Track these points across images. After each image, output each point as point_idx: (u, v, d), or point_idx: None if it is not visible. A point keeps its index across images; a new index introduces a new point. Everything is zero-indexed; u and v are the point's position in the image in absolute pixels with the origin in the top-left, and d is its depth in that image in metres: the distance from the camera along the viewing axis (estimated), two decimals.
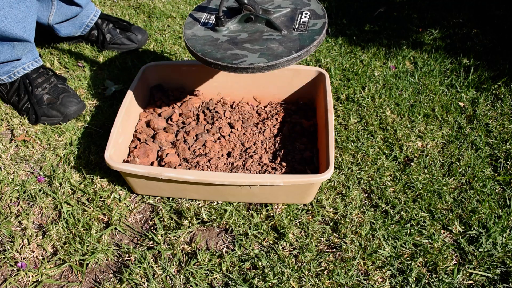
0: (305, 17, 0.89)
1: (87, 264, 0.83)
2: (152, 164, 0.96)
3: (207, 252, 0.85)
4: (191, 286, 0.80)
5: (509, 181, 0.99)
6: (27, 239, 0.87)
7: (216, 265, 0.83)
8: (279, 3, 0.94)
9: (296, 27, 0.87)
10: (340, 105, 1.20)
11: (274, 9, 0.91)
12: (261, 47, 0.83)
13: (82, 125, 1.12)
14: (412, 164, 1.02)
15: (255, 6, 0.89)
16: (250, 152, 1.00)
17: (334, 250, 0.86)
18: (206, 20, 0.93)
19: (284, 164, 0.96)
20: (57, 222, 0.90)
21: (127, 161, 0.96)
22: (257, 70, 0.81)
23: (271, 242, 0.87)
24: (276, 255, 0.84)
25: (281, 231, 0.88)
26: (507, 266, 0.83)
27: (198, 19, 0.94)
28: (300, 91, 1.13)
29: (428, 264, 0.83)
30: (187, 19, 0.95)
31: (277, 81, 1.12)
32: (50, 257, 0.85)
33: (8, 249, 0.85)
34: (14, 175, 0.99)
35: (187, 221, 0.90)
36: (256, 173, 0.94)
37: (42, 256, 0.85)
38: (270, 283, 0.79)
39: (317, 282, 0.79)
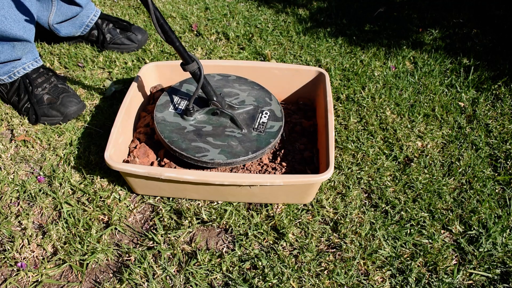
0: (265, 117, 0.97)
1: (87, 264, 0.83)
2: (152, 164, 0.96)
3: (207, 252, 0.85)
4: (191, 286, 0.80)
5: (509, 181, 0.99)
6: (27, 239, 0.87)
7: (216, 265, 0.83)
8: (244, 98, 1.01)
9: (256, 126, 0.94)
10: (340, 105, 1.20)
11: (238, 105, 0.98)
12: (223, 143, 0.90)
13: (82, 125, 1.12)
14: (412, 164, 1.02)
15: (222, 102, 0.95)
16: None
17: (334, 250, 0.86)
18: (177, 105, 0.99)
19: (284, 164, 0.96)
20: (57, 222, 0.90)
21: (127, 161, 0.96)
22: (216, 165, 0.88)
23: (271, 242, 0.87)
24: (276, 255, 0.84)
25: (281, 231, 0.88)
26: (507, 266, 0.83)
27: (169, 102, 0.99)
28: (300, 91, 1.13)
29: (428, 264, 0.83)
30: (160, 99, 1.00)
31: (277, 81, 1.12)
32: (50, 257, 0.85)
33: (8, 249, 0.85)
34: (14, 175, 0.99)
35: (187, 221, 0.90)
36: (256, 173, 0.94)
37: (42, 256, 0.85)
38: (270, 283, 0.79)
39: (317, 282, 0.80)
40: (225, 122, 0.95)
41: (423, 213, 0.92)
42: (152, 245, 0.87)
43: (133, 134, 1.03)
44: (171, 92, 1.02)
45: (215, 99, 0.93)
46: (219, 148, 0.89)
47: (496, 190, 0.97)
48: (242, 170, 0.95)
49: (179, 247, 0.86)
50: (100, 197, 0.95)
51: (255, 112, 0.97)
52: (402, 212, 0.92)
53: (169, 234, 0.87)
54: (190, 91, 1.02)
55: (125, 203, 0.94)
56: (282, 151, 0.99)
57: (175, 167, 0.95)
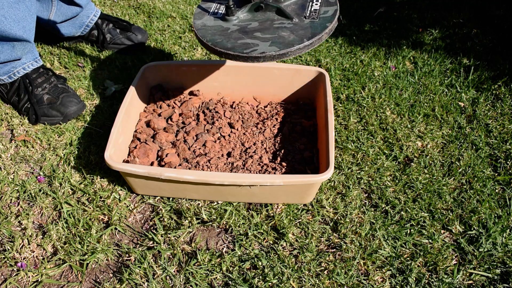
0: (316, 4, 0.88)
1: (87, 264, 0.83)
2: (152, 164, 0.96)
3: (207, 252, 0.85)
4: (191, 286, 0.80)
5: (509, 181, 0.99)
6: (27, 239, 0.87)
7: (216, 265, 0.83)
8: None
9: (307, 14, 0.86)
10: (340, 105, 1.20)
11: None
12: (272, 36, 0.82)
13: (82, 125, 1.12)
14: (412, 164, 1.02)
15: None
16: (250, 152, 1.00)
17: (334, 250, 0.86)
18: (216, 10, 0.92)
19: (284, 164, 0.96)
20: (57, 222, 0.90)
21: (127, 161, 0.96)
22: (268, 59, 0.80)
23: (271, 242, 0.87)
24: (276, 255, 0.84)
25: (281, 231, 0.88)
26: (507, 266, 0.83)
27: (207, 10, 0.93)
28: (300, 91, 1.13)
29: (428, 264, 0.83)
30: (196, 9, 0.94)
31: (277, 81, 1.12)
32: (50, 257, 0.85)
33: (8, 249, 0.85)
34: (14, 175, 0.99)
35: (187, 221, 0.90)
36: (256, 173, 0.94)
37: (42, 256, 0.85)
38: (270, 283, 0.79)
39: (317, 282, 0.79)
40: (272, 16, 0.87)
41: (423, 213, 0.92)
42: (152, 245, 0.87)
43: (133, 134, 1.03)
44: (207, 0, 0.95)
45: None
46: (270, 41, 0.81)
47: (496, 190, 0.97)
48: (242, 170, 0.95)
49: (179, 247, 0.86)
50: (100, 197, 0.95)
51: (305, 1, 0.89)
52: (402, 212, 0.92)
53: (169, 234, 0.87)
54: None
55: (125, 203, 0.94)
56: (282, 151, 0.99)
57: (175, 167, 0.95)
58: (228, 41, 0.83)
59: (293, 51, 0.80)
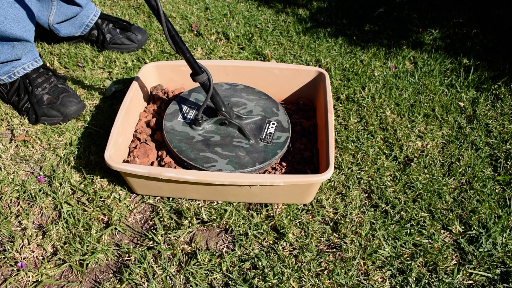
0: (272, 127, 0.98)
1: (87, 264, 0.83)
2: (152, 164, 0.96)
3: (207, 252, 0.85)
4: (191, 286, 0.80)
5: (509, 181, 0.99)
6: (27, 239, 0.87)
7: (216, 265, 0.83)
8: (251, 108, 1.02)
9: (263, 137, 0.95)
10: (340, 105, 1.20)
11: (246, 115, 0.99)
12: (230, 154, 0.91)
13: (82, 125, 1.12)
14: (412, 164, 1.02)
15: (230, 112, 0.96)
16: None
17: (334, 250, 0.86)
18: (186, 114, 1.00)
19: (284, 164, 0.96)
20: (57, 222, 0.90)
21: (127, 161, 0.96)
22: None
23: (271, 242, 0.87)
24: (276, 255, 0.84)
25: (281, 231, 0.88)
26: (507, 266, 0.83)
27: (178, 111, 1.01)
28: (300, 91, 1.13)
29: (428, 264, 0.83)
30: (169, 108, 1.01)
31: (277, 81, 1.12)
32: (50, 257, 0.85)
33: (8, 249, 0.85)
34: (14, 175, 0.99)
35: (187, 221, 0.90)
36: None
37: (42, 256, 0.85)
38: (270, 283, 0.79)
39: (317, 282, 0.79)
40: (233, 132, 0.96)
41: (423, 213, 0.92)
42: (152, 245, 0.87)
43: (133, 134, 1.03)
44: (179, 101, 1.03)
45: (223, 109, 0.94)
46: (227, 159, 0.90)
47: (496, 190, 0.97)
48: None
49: (179, 247, 0.86)
50: (100, 197, 0.95)
51: (263, 122, 0.99)
52: (402, 212, 0.92)
53: (169, 234, 0.87)
54: (198, 100, 1.04)
55: (125, 203, 0.94)
56: None
57: (175, 167, 0.95)
58: (191, 152, 0.91)
59: (245, 172, 0.89)
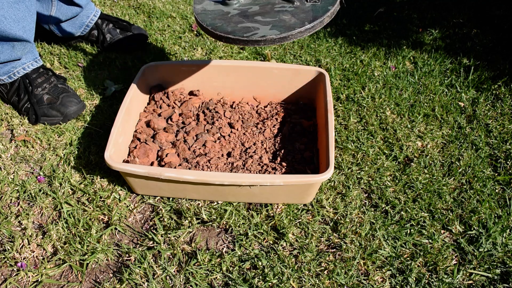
0: None
1: (87, 264, 0.83)
2: (152, 164, 0.96)
3: (207, 252, 0.85)
4: (191, 286, 0.80)
5: (509, 181, 0.99)
6: (27, 239, 0.87)
7: (216, 265, 0.83)
8: None
9: None
10: (340, 105, 1.20)
11: None
12: (273, 19, 0.81)
13: (82, 125, 1.12)
14: (412, 164, 1.02)
15: None
16: (250, 152, 1.00)
17: (334, 250, 0.86)
18: None
19: (284, 164, 0.96)
20: (57, 222, 0.90)
21: (127, 161, 0.96)
22: (269, 43, 0.78)
23: (271, 242, 0.87)
24: (276, 255, 0.84)
25: (281, 231, 0.88)
26: (507, 266, 0.83)
27: None
28: (300, 91, 1.13)
29: (428, 264, 0.83)
30: None
31: (277, 81, 1.12)
32: (50, 257, 0.85)
33: (8, 249, 0.85)
34: (14, 175, 0.99)
35: (187, 221, 0.90)
36: (256, 173, 0.94)
37: (42, 256, 0.85)
38: (270, 283, 0.79)
39: (317, 282, 0.79)
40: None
41: (423, 213, 0.92)
42: (152, 245, 0.87)
43: (133, 134, 1.03)
44: None
45: None
46: (270, 25, 0.80)
47: (496, 190, 0.97)
48: (242, 170, 0.95)
49: (179, 247, 0.86)
50: (100, 197, 0.95)
51: None
52: (402, 212, 0.92)
53: (169, 234, 0.87)
54: None
55: (125, 203, 0.94)
56: (282, 151, 0.99)
57: (175, 167, 0.95)
58: (228, 25, 0.81)
59: (294, 35, 0.78)
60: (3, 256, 0.84)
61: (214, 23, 0.83)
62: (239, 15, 0.84)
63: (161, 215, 0.91)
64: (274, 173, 0.94)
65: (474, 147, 1.08)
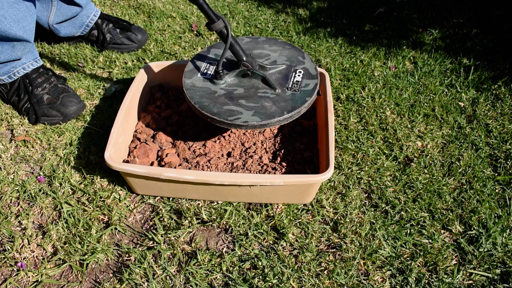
0: (298, 75, 0.93)
1: (87, 264, 0.83)
2: (152, 164, 0.96)
3: (207, 252, 0.85)
4: (191, 286, 0.80)
5: (509, 181, 0.99)
6: (27, 239, 0.87)
7: (216, 265, 0.83)
8: (275, 58, 0.97)
9: (290, 86, 0.90)
10: (340, 105, 1.20)
11: (270, 65, 0.94)
12: (256, 105, 0.87)
13: (82, 125, 1.12)
14: (412, 164, 1.02)
15: (252, 62, 0.91)
16: (250, 152, 1.00)
17: (334, 250, 0.86)
18: (205, 70, 0.96)
19: (284, 164, 0.96)
20: (57, 222, 0.90)
21: (127, 161, 0.96)
22: (250, 128, 0.85)
23: (271, 242, 0.87)
24: (276, 255, 0.84)
25: (281, 231, 0.88)
26: (507, 266, 0.83)
27: (197, 68, 0.96)
28: None
29: (428, 264, 0.83)
30: (188, 66, 0.97)
31: None
32: (50, 257, 0.85)
33: (8, 249, 0.85)
34: (14, 175, 0.99)
35: (187, 221, 0.90)
36: (256, 173, 0.94)
37: (42, 256, 0.85)
38: (270, 283, 0.79)
39: (317, 282, 0.79)
40: (257, 83, 0.91)
41: (423, 213, 0.92)
42: (152, 245, 0.87)
43: (133, 134, 1.03)
44: (198, 58, 0.98)
45: (245, 59, 0.89)
46: (253, 110, 0.85)
47: (496, 190, 0.97)
48: (242, 170, 0.95)
49: (179, 247, 0.86)
50: (100, 197, 0.95)
51: (288, 71, 0.93)
52: (402, 212, 0.92)
53: (169, 234, 0.87)
54: (218, 55, 0.98)
55: (125, 203, 0.94)
56: (282, 151, 0.99)
57: (175, 167, 0.95)
58: (214, 106, 0.87)
59: (274, 122, 0.85)
60: (3, 256, 0.84)
61: (201, 101, 0.88)
62: (225, 96, 0.89)
63: (161, 215, 0.91)
64: (274, 173, 0.94)
65: (474, 147, 1.08)
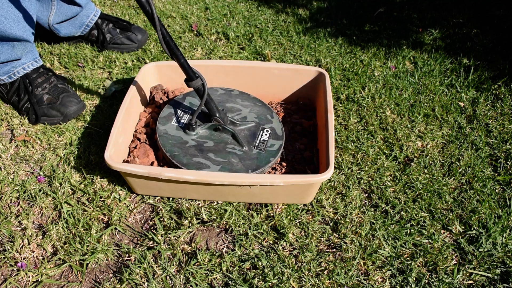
0: (266, 135, 0.97)
1: (87, 264, 0.83)
2: (152, 164, 0.96)
3: (207, 252, 0.85)
4: (191, 286, 0.80)
5: (509, 181, 0.99)
6: (27, 239, 0.87)
7: (216, 265, 0.83)
8: (246, 114, 1.02)
9: (256, 144, 0.95)
10: (340, 105, 1.20)
11: (240, 121, 0.98)
12: (223, 160, 0.91)
13: (82, 125, 1.12)
14: (412, 164, 1.02)
15: (224, 118, 0.95)
16: None
17: (334, 250, 0.86)
18: (179, 118, 1.00)
19: (284, 164, 0.96)
20: (57, 222, 0.90)
21: (127, 161, 0.96)
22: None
23: (271, 242, 0.87)
24: (276, 255, 0.84)
25: (281, 231, 0.88)
26: (507, 266, 0.83)
27: (172, 115, 1.00)
28: (300, 91, 1.13)
29: (428, 264, 0.83)
30: (163, 111, 1.01)
31: (277, 81, 1.12)
32: (50, 257, 0.85)
33: (8, 249, 0.85)
34: (14, 175, 0.99)
35: (187, 221, 0.90)
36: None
37: (42, 256, 0.85)
38: (270, 283, 0.79)
39: (317, 282, 0.79)
40: (226, 138, 0.96)
41: (423, 213, 0.92)
42: (152, 245, 0.87)
43: (133, 134, 1.03)
44: (174, 105, 1.03)
45: (217, 115, 0.94)
46: (220, 165, 0.90)
47: (496, 190, 0.97)
48: None
49: (179, 247, 0.86)
50: (100, 197, 0.95)
51: (256, 129, 0.98)
52: (402, 212, 0.92)
53: (169, 234, 0.87)
54: (193, 104, 1.03)
55: (125, 203, 0.94)
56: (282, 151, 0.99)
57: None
58: (184, 157, 0.91)
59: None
60: (3, 256, 0.84)
61: (172, 150, 0.92)
62: (195, 148, 0.93)
63: (161, 215, 0.91)
64: (274, 173, 0.94)
65: (474, 147, 1.08)
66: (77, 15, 1.31)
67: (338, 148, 1.06)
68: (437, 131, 1.12)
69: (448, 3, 1.68)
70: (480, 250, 0.85)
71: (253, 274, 0.81)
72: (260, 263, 0.82)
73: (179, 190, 0.90)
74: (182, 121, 0.99)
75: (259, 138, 0.96)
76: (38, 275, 0.82)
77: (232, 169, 0.89)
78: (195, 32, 1.51)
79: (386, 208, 0.93)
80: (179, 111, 1.01)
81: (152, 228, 0.90)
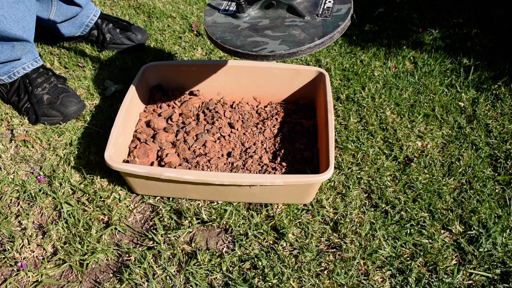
0: (329, 1, 0.86)
1: (87, 264, 0.83)
2: (152, 164, 0.96)
3: (207, 252, 0.85)
4: (191, 286, 0.80)
5: (509, 181, 0.99)
6: (27, 239, 0.87)
7: (216, 265, 0.83)
8: None
9: (320, 12, 0.84)
10: (340, 105, 1.20)
11: None
12: (283, 34, 0.80)
13: (82, 125, 1.12)
14: (412, 164, 1.02)
15: None
16: (250, 152, 1.00)
17: (334, 250, 0.86)
18: (227, 7, 0.90)
19: (284, 164, 0.96)
20: (57, 222, 0.90)
21: (127, 161, 0.96)
22: (277, 58, 0.78)
23: (271, 242, 0.87)
24: (276, 255, 0.84)
25: (281, 231, 0.88)
26: (507, 266, 0.83)
27: (217, 7, 0.91)
28: (300, 91, 1.13)
29: (428, 264, 0.83)
30: (207, 6, 0.92)
31: (277, 81, 1.12)
32: (50, 257, 0.85)
33: (8, 249, 0.85)
34: (14, 175, 0.99)
35: (187, 221, 0.90)
36: (256, 173, 0.94)
37: (42, 256, 0.85)
38: (270, 283, 0.79)
39: (317, 282, 0.79)
40: (283, 13, 0.85)
41: (423, 213, 0.92)
42: (152, 245, 0.87)
43: (133, 134, 1.03)
44: None
45: None
46: (280, 39, 0.78)
47: (496, 190, 0.97)
48: (242, 170, 0.95)
49: (179, 247, 0.86)
50: (100, 197, 0.95)
51: None
52: (402, 212, 0.92)
53: (169, 234, 0.87)
54: None
55: (125, 203, 0.94)
56: (282, 151, 0.99)
57: (175, 167, 0.95)
58: (237, 39, 0.81)
59: (304, 50, 0.77)
60: (3, 256, 0.84)
61: (223, 36, 0.82)
62: (249, 29, 0.83)
63: (161, 215, 0.91)
64: (274, 173, 0.94)
65: (474, 147, 1.08)
66: (77, 15, 1.31)
67: (338, 148, 1.06)
68: (437, 131, 1.12)
69: (448, 3, 1.68)
70: (480, 250, 0.85)
71: (253, 274, 0.81)
72: (260, 263, 0.82)
73: (179, 190, 0.90)
74: (230, 9, 0.89)
75: (322, 6, 0.85)
76: (38, 275, 0.82)
77: (294, 40, 0.78)
78: (195, 32, 1.51)
79: (386, 208, 0.93)
80: (224, 2, 0.92)
81: (152, 228, 0.90)
